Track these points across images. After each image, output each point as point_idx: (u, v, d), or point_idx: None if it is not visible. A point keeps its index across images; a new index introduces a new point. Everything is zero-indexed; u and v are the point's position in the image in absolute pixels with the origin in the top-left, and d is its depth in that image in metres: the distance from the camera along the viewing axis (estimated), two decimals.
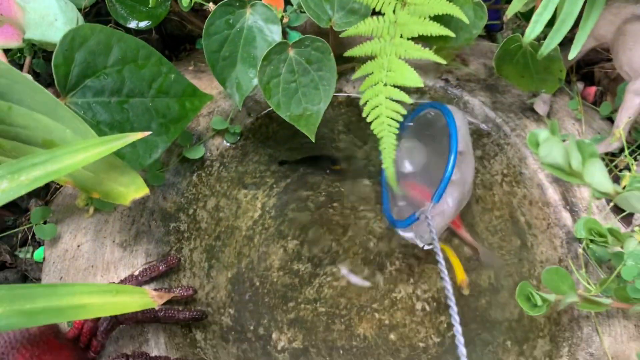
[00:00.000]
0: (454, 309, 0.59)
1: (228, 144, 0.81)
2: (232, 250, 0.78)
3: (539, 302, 0.59)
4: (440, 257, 0.65)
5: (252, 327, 0.73)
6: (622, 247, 0.64)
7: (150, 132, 0.57)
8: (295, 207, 0.82)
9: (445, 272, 0.63)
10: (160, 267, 0.68)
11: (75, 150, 0.54)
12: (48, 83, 0.78)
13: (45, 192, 0.75)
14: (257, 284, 0.76)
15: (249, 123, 0.82)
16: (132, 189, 0.60)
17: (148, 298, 0.57)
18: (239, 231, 0.79)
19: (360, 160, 0.85)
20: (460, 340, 0.57)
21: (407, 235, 0.77)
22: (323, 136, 0.86)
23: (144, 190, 0.60)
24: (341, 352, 0.71)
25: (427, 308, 0.75)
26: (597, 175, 0.45)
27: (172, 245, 0.73)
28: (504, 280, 0.75)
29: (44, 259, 0.70)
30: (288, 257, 0.79)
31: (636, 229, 0.65)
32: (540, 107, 0.78)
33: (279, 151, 0.84)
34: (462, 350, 0.56)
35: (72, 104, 0.60)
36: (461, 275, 0.75)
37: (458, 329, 0.58)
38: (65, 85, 0.59)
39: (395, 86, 0.67)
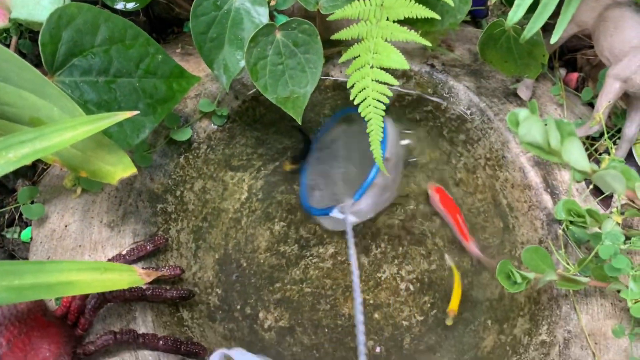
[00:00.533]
0: (358, 300, 0.64)
1: (215, 127, 0.81)
2: (219, 232, 0.78)
3: (519, 280, 0.60)
4: (352, 251, 0.69)
5: (239, 307, 0.74)
6: (600, 228, 0.66)
7: (137, 112, 0.57)
8: (283, 190, 0.83)
9: (356, 264, 0.67)
10: (148, 247, 0.69)
11: (63, 129, 0.54)
12: (35, 64, 0.77)
13: (33, 173, 0.75)
14: (244, 264, 0.77)
15: (236, 106, 0.83)
16: (119, 168, 0.60)
17: (136, 276, 0.58)
18: (225, 213, 0.80)
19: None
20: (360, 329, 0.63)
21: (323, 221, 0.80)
22: (310, 120, 0.86)
23: (132, 170, 0.61)
24: (326, 330, 0.73)
25: (411, 288, 0.76)
26: (575, 153, 0.46)
27: (160, 226, 0.73)
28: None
29: (31, 239, 0.70)
30: (275, 238, 0.80)
31: (614, 210, 0.67)
32: (523, 92, 0.80)
33: (267, 134, 0.85)
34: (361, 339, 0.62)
35: (60, 83, 0.60)
36: (454, 305, 0.74)
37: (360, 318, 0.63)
38: (52, 64, 0.59)
39: (381, 68, 0.68)
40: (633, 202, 0.70)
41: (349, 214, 0.73)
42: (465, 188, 0.82)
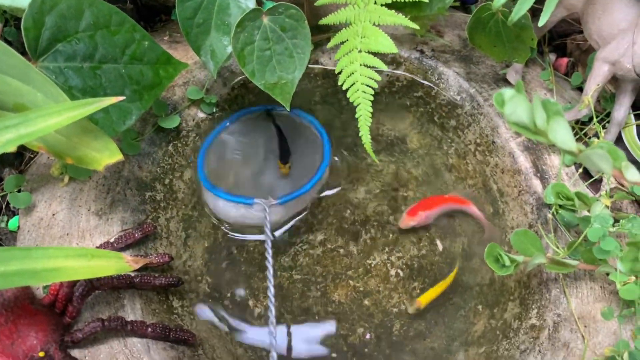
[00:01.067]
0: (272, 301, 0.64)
1: (204, 115, 0.81)
2: (208, 221, 0.78)
3: (507, 263, 0.60)
4: (269, 247, 0.68)
5: (228, 295, 0.73)
6: (589, 212, 0.66)
7: (123, 98, 0.57)
8: None
9: (271, 264, 0.66)
10: (136, 234, 0.68)
11: (48, 114, 0.54)
12: (21, 52, 0.77)
13: (20, 162, 0.75)
14: (234, 252, 0.77)
15: (225, 93, 0.82)
16: (105, 155, 0.60)
17: (123, 262, 0.57)
18: None
19: (337, 130, 0.85)
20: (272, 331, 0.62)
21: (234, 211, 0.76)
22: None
23: (118, 156, 0.60)
24: (317, 317, 0.73)
25: (401, 274, 0.76)
26: (561, 133, 0.46)
27: (148, 214, 0.73)
28: (476, 247, 0.77)
29: (18, 227, 0.70)
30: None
31: (603, 193, 0.67)
32: (513, 77, 0.80)
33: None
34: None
35: (44, 69, 0.60)
36: (425, 300, 0.72)
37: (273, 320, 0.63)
38: (35, 49, 0.59)
39: (370, 53, 0.67)
40: (622, 185, 0.70)
41: (267, 211, 0.72)
42: (456, 174, 0.82)
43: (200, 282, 0.73)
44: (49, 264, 0.53)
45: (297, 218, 0.79)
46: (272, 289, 0.65)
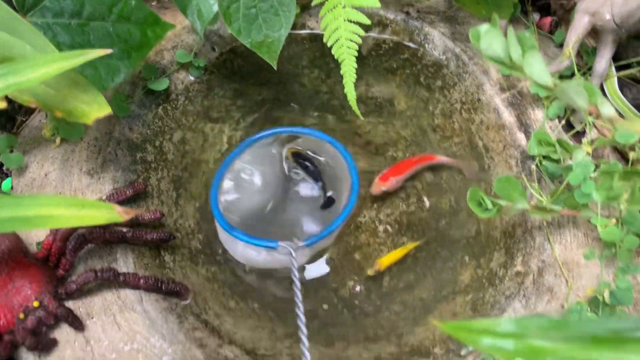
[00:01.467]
0: (303, 331, 0.57)
1: (193, 78, 0.82)
2: (199, 182, 0.79)
3: (490, 206, 0.62)
4: (298, 293, 0.60)
5: (220, 251, 0.75)
6: (571, 159, 0.67)
7: (111, 50, 0.58)
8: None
9: (302, 311, 0.58)
10: (128, 192, 0.69)
11: (37, 64, 0.55)
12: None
13: (12, 125, 0.76)
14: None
15: (213, 58, 0.83)
16: (94, 108, 0.61)
17: (114, 213, 0.58)
18: (205, 164, 0.81)
19: (324, 94, 0.87)
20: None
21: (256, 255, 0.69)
22: (288, 72, 0.87)
23: (106, 109, 0.61)
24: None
25: (390, 230, 0.77)
26: (536, 67, 0.47)
27: (140, 174, 0.74)
28: (463, 202, 0.78)
29: (11, 188, 0.71)
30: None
31: (584, 141, 0.68)
32: None
33: (245, 86, 0.85)
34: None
35: (32, 24, 0.60)
36: (386, 262, 0.73)
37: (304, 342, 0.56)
38: (23, 4, 0.60)
39: (353, 7, 0.69)
40: (605, 136, 0.71)
41: (294, 256, 0.64)
42: (442, 133, 0.83)
43: (192, 240, 0.75)
44: (41, 211, 0.54)
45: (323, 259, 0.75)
46: (305, 342, 0.56)
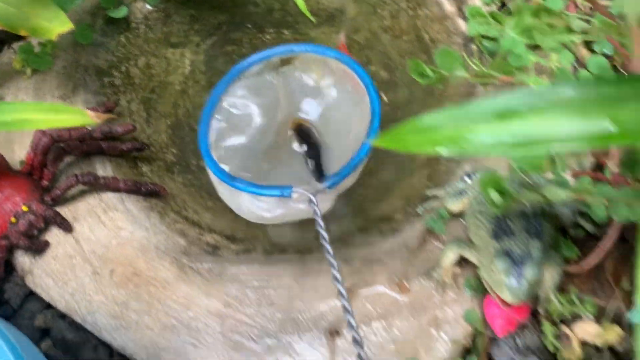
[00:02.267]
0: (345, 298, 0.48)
1: (150, 7, 0.86)
2: (167, 102, 0.84)
3: (430, 74, 0.67)
4: (329, 248, 0.52)
5: (194, 162, 0.80)
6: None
7: None
8: (223, 61, 0.89)
9: (334, 261, 0.51)
10: (99, 110, 0.74)
11: None
12: None
13: None
14: (196, 128, 0.83)
15: None
16: (56, 24, 0.65)
17: (87, 117, 0.63)
18: (172, 86, 0.85)
19: (277, 11, 0.91)
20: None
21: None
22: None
23: (68, 25, 0.66)
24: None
25: None
26: None
27: (109, 97, 0.79)
28: (416, 93, 0.84)
29: None
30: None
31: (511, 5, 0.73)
32: None
33: (200, 11, 0.89)
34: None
35: None
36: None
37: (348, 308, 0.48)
38: None
39: None
40: None
41: (316, 203, 0.55)
42: (392, 33, 0.88)
43: (167, 153, 0.79)
44: (20, 116, 0.59)
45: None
46: (346, 297, 0.48)
